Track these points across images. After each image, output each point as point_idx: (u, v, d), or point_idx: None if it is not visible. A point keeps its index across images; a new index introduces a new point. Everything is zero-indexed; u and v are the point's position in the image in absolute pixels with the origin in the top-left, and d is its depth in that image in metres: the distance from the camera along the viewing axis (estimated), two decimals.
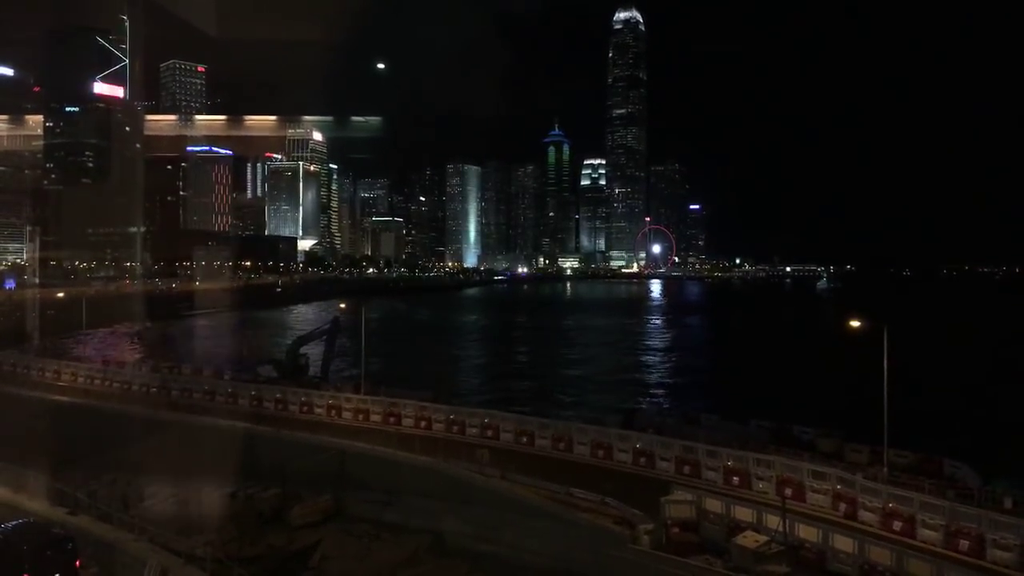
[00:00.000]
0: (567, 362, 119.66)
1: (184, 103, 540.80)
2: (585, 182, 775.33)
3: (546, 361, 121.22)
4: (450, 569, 33.36)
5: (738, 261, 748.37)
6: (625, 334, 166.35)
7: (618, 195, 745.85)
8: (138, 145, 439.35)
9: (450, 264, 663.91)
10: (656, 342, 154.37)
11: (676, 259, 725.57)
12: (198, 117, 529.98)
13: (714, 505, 31.66)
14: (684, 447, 39.16)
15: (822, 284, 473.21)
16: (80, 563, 25.99)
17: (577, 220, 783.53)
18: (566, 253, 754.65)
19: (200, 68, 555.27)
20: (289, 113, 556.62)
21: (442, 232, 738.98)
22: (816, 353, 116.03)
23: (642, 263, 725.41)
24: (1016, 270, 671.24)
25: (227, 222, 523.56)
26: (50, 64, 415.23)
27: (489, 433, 46.11)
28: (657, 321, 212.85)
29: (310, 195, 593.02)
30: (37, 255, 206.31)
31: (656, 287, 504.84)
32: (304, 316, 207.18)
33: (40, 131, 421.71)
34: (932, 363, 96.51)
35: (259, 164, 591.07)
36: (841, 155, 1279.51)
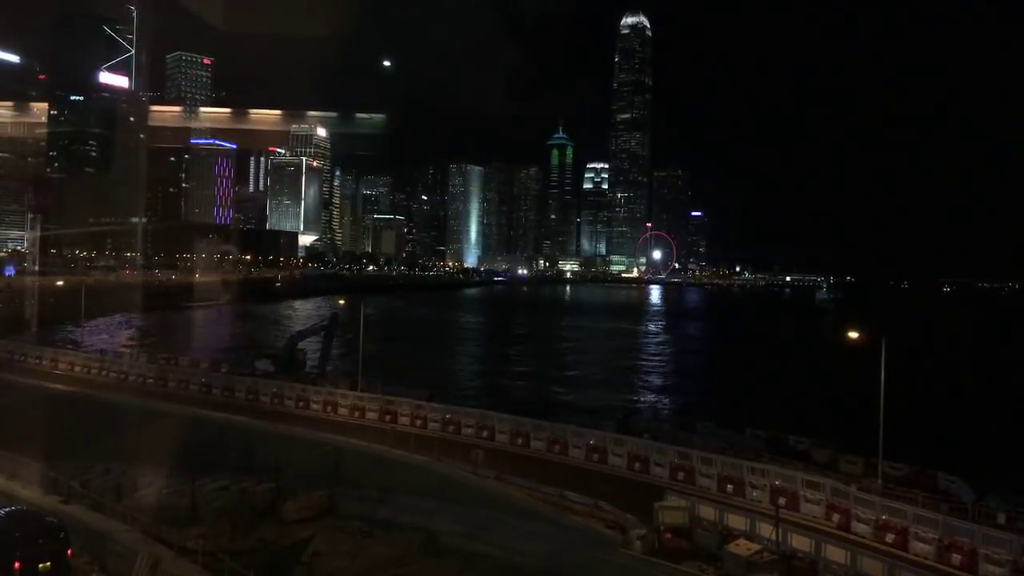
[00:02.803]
0: (564, 365, 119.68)
1: (189, 95, 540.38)
2: (588, 185, 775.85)
3: (543, 363, 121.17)
4: (441, 568, 33.33)
5: (738, 269, 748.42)
6: (623, 339, 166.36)
7: (620, 199, 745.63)
8: (142, 135, 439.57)
9: (450, 264, 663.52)
10: (653, 348, 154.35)
11: (676, 265, 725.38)
12: (202, 109, 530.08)
13: (707, 512, 31.64)
14: (679, 453, 39.14)
15: (822, 294, 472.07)
16: (72, 552, 25.96)
17: (578, 223, 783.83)
18: (567, 256, 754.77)
19: (206, 60, 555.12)
20: (293, 108, 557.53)
21: (443, 231, 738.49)
22: (812, 363, 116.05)
23: (642, 268, 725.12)
24: (1016, 287, 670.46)
25: (228, 215, 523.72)
26: (56, 52, 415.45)
27: (485, 434, 46.10)
28: (655, 327, 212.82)
29: (312, 191, 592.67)
30: (38, 243, 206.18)
31: (655, 293, 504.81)
32: (303, 312, 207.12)
33: (44, 119, 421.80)
34: (928, 376, 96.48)
35: (262, 158, 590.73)
36: (845, 166, 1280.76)
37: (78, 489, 33.12)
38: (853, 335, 46.27)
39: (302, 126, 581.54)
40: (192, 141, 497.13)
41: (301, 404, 53.82)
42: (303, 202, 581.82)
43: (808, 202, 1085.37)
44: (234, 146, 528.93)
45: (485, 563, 32.84)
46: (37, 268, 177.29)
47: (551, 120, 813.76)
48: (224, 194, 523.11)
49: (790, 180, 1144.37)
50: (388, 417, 49.89)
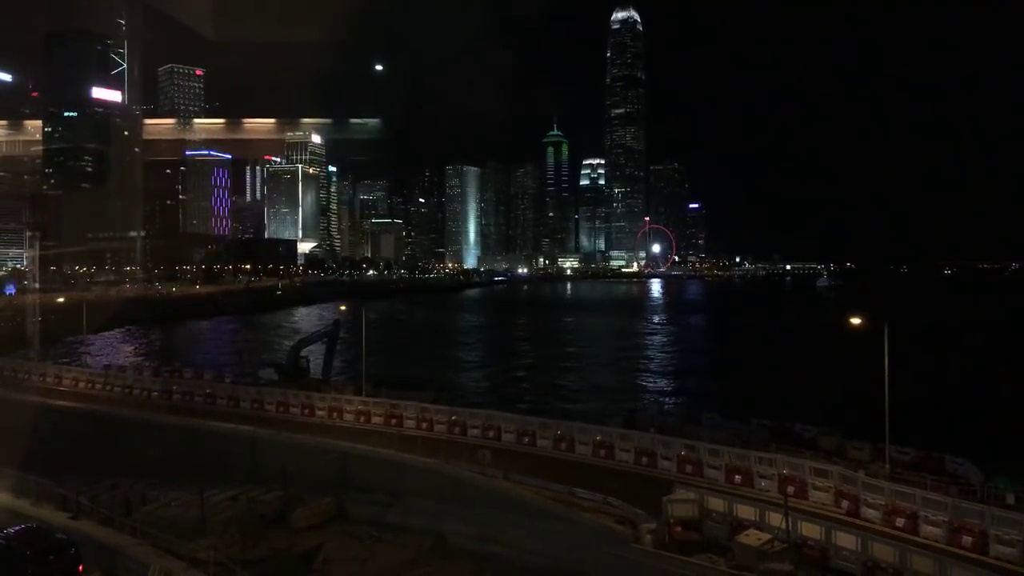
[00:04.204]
0: (568, 362, 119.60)
1: (182, 107, 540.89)
2: (584, 182, 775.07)
3: (547, 361, 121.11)
4: (453, 570, 33.34)
5: (738, 259, 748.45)
6: (626, 334, 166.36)
7: (617, 195, 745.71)
8: (137, 149, 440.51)
9: (450, 265, 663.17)
10: (656, 342, 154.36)
11: (676, 258, 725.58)
12: (196, 121, 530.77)
13: (716, 504, 31.61)
14: (686, 446, 39.04)
15: (822, 282, 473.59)
16: (83, 568, 25.98)
17: (576, 220, 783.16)
18: (566, 253, 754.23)
19: (198, 71, 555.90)
20: (287, 116, 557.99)
21: (442, 233, 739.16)
22: (816, 351, 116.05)
23: (642, 262, 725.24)
24: (1019, 266, 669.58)
25: (226, 225, 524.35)
26: (48, 69, 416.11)
27: (491, 434, 46.00)
28: (657, 321, 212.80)
29: (309, 197, 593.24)
30: (37, 260, 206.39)
31: (656, 286, 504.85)
32: (305, 319, 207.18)
33: (39, 136, 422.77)
34: (933, 360, 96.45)
35: (258, 167, 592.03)
36: (841, 152, 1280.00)
37: (87, 505, 33.15)
38: (855, 321, 46.21)
39: (297, 133, 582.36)
40: (187, 153, 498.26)
41: (306, 411, 53.77)
42: (301, 209, 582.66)
43: (806, 190, 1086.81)
44: (229, 156, 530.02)
45: (496, 564, 32.84)
46: (37, 286, 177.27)
47: (545, 118, 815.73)
48: (221, 204, 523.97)
49: (787, 168, 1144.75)
50: (394, 421, 49.85)
